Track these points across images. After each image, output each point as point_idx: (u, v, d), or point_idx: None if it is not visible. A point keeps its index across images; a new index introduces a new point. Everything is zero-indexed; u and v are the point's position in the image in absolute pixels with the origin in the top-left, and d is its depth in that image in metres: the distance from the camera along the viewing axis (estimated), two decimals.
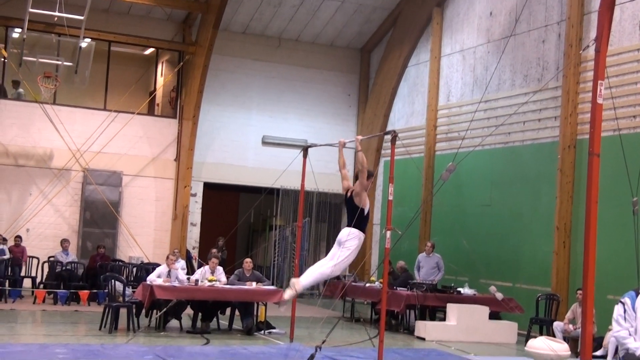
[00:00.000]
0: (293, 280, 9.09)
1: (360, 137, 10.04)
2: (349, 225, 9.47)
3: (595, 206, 6.89)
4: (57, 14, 17.35)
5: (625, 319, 7.07)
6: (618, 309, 7.15)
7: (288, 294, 9.05)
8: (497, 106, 17.79)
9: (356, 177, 9.66)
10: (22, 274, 18.03)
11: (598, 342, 12.69)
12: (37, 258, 18.44)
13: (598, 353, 12.42)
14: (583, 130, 15.21)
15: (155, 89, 22.03)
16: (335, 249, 9.34)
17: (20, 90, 20.03)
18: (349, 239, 9.25)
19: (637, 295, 7.11)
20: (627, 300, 7.11)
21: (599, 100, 6.96)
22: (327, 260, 9.24)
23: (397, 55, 21.79)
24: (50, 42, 19.38)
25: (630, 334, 7.01)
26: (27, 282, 18.07)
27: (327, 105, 23.21)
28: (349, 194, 9.54)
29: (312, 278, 9.08)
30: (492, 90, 17.93)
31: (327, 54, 23.28)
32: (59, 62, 18.95)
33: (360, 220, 9.40)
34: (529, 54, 17.16)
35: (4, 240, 17.85)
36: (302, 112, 22.91)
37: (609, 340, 12.33)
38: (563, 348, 8.41)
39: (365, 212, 9.44)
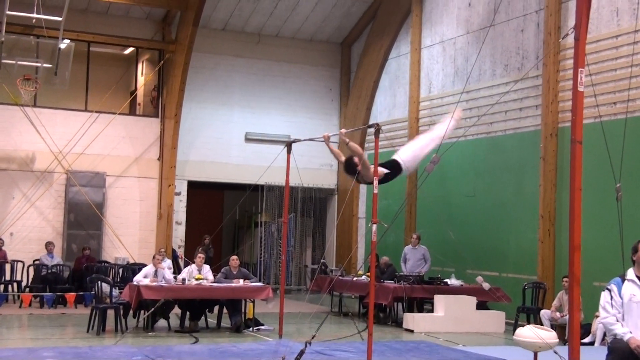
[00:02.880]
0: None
1: (344, 130, 10.03)
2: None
3: (579, 193, 6.90)
4: (35, 15, 17.24)
5: (612, 305, 7.10)
6: (605, 296, 7.19)
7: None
8: (479, 96, 17.84)
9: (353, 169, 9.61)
10: (7, 277, 17.93)
11: (585, 329, 12.79)
12: (22, 262, 18.32)
13: (586, 340, 12.52)
14: (564, 118, 15.29)
15: (136, 89, 21.93)
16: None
17: None
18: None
19: (623, 282, 7.15)
20: (613, 286, 7.16)
21: (580, 88, 6.97)
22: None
23: (377, 48, 21.80)
24: (29, 44, 19.24)
25: (617, 320, 7.05)
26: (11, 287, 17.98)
27: (309, 100, 23.19)
28: (373, 181, 9.55)
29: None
30: (473, 80, 17.97)
31: (307, 48, 23.26)
32: (39, 64, 18.83)
33: (393, 173, 9.62)
34: (508, 44, 17.22)
35: None
36: (284, 107, 22.88)
37: (597, 326, 12.42)
38: (551, 336, 8.44)
39: (398, 165, 9.64)
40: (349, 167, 9.50)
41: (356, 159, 9.49)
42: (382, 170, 9.51)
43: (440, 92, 19.49)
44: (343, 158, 9.77)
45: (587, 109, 11.66)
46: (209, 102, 22.03)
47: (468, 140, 17.68)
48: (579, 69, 6.96)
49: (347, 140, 9.67)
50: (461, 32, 18.83)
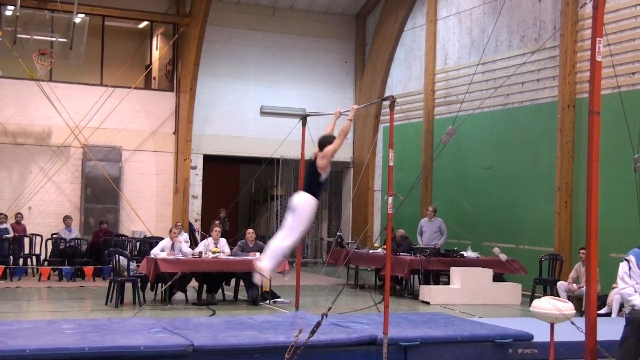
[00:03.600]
0: (259, 267, 8.69)
1: (356, 106, 9.86)
2: (304, 190, 8.99)
3: (597, 164, 6.87)
4: None
5: (630, 276, 7.09)
6: (623, 266, 7.17)
7: (257, 279, 8.92)
8: (495, 68, 17.71)
9: (328, 143, 9.06)
10: (26, 251, 18.08)
11: (602, 301, 12.76)
12: (41, 235, 18.48)
13: (602, 311, 12.50)
14: (582, 89, 15.17)
15: (151, 63, 21.93)
16: (290, 218, 8.86)
17: None
18: (305, 206, 8.78)
19: None
20: (631, 257, 7.13)
21: (598, 58, 6.92)
22: (285, 234, 8.82)
23: (392, 20, 21.65)
24: (44, 18, 19.25)
25: (635, 291, 7.04)
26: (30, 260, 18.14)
27: (324, 73, 23.11)
28: (313, 157, 9.14)
29: (275, 258, 8.79)
30: (490, 52, 17.84)
31: (322, 21, 23.14)
32: (54, 39, 18.86)
33: (317, 186, 8.97)
34: (525, 14, 17.05)
35: (5, 217, 17.87)
36: (300, 80, 22.82)
37: (613, 297, 12.40)
38: (568, 307, 8.42)
39: (323, 179, 8.95)
40: (312, 166, 9.06)
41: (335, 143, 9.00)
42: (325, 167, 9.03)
43: (456, 64, 19.36)
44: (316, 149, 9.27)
45: (605, 80, 11.53)
46: (224, 75, 22.00)
47: (484, 112, 17.59)
48: (597, 39, 6.90)
49: (352, 117, 9.37)
50: (477, 3, 18.66)
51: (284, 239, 8.77)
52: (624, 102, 10.19)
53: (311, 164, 9.04)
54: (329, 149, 8.94)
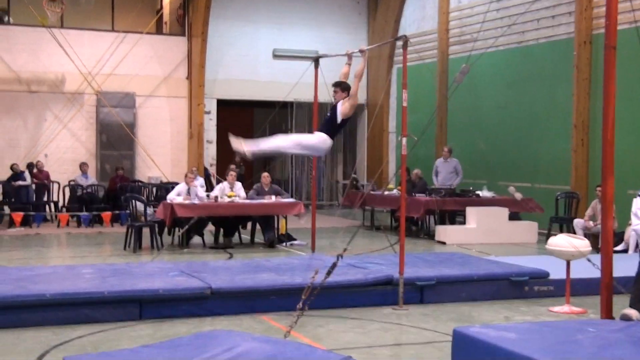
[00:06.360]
0: (244, 145, 8.45)
1: (365, 47, 9.71)
2: (320, 131, 9.22)
3: (613, 101, 6.79)
4: None
5: None
6: (637, 203, 7.12)
7: (235, 143, 8.50)
8: (510, 5, 17.45)
9: (344, 89, 9.24)
10: (44, 198, 18.23)
11: (619, 237, 12.76)
12: (58, 182, 18.60)
13: (619, 248, 12.50)
14: (599, 25, 14.93)
15: (161, 7, 21.73)
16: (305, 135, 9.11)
17: None
18: (320, 138, 9.09)
19: None
20: None
21: None
22: (292, 137, 9.03)
23: None
24: None
25: None
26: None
27: (336, 14, 22.85)
28: (335, 102, 9.26)
29: (258, 144, 8.62)
30: None
31: None
32: None
33: (334, 129, 9.24)
34: None
35: (31, 166, 17.97)
36: (311, 22, 22.58)
37: (630, 234, 12.39)
38: (584, 244, 8.43)
39: (339, 121, 9.17)
40: (334, 111, 9.15)
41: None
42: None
43: (470, 1, 19.08)
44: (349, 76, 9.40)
45: (621, 14, 11.34)
46: (235, 19, 21.80)
47: (499, 50, 17.39)
48: None
49: (365, 62, 9.38)
50: None
51: (286, 140, 8.97)
52: None
53: (333, 110, 9.14)
54: (353, 90, 9.00)
